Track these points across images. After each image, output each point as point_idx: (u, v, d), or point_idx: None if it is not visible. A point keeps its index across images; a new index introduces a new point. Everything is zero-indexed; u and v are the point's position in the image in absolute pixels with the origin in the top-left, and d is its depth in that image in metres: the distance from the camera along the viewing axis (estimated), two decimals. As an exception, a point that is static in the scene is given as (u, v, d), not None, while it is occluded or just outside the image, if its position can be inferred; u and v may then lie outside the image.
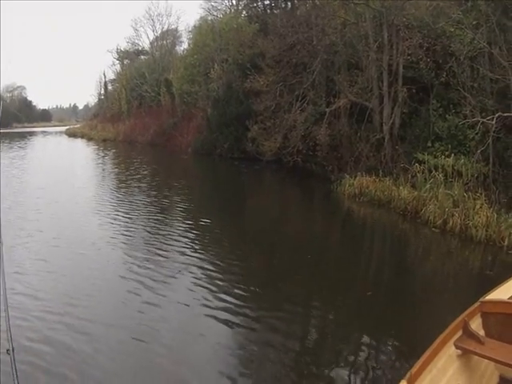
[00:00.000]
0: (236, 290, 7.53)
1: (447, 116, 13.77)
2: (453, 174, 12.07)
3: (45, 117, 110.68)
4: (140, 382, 5.05)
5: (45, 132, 71.67)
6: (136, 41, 56.68)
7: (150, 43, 53.91)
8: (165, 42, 51.17)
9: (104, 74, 65.78)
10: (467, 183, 11.64)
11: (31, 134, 65.71)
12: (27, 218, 12.50)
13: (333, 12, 18.87)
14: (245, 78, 24.13)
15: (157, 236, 11.01)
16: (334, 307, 7.18)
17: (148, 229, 11.68)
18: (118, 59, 59.87)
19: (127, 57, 58.17)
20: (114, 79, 60.65)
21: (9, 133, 63.18)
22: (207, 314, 6.63)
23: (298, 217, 13.84)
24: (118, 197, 16.60)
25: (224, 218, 13.49)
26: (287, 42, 20.65)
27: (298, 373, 5.33)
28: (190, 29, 45.93)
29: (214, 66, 30.70)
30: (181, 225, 12.24)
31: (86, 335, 5.97)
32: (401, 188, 12.98)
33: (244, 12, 33.15)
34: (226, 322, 6.35)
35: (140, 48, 56.38)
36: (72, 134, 57.33)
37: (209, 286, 7.68)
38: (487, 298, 4.39)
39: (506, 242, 9.37)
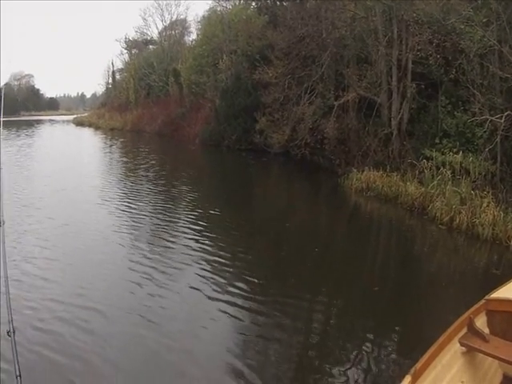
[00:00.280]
0: (243, 281, 7.64)
1: (456, 113, 13.71)
2: (460, 171, 12.03)
3: (52, 105, 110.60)
4: (147, 369, 5.14)
5: (52, 120, 71.65)
6: (145, 30, 56.49)
7: (159, 33, 53.62)
8: (173, 31, 50.90)
9: (112, 63, 65.93)
10: (475, 181, 11.61)
11: (38, 122, 65.74)
12: (35, 205, 12.68)
13: (342, 5, 18.73)
14: (253, 69, 24.11)
15: (164, 225, 11.17)
16: (340, 300, 7.26)
17: (156, 218, 11.82)
18: (126, 48, 59.77)
19: (135, 46, 57.99)
20: (122, 68, 60.57)
21: (16, 121, 63.30)
22: (214, 303, 6.76)
23: (305, 209, 13.93)
24: (126, 185, 16.75)
25: (231, 209, 13.60)
26: (296, 35, 20.64)
27: (302, 365, 5.44)
28: (199, 19, 45.73)
29: (223, 56, 30.65)
30: (189, 214, 12.37)
31: (94, 322, 6.11)
32: (408, 184, 12.99)
33: (253, 3, 32.91)
34: (232, 312, 6.47)
35: (148, 38, 56.16)
36: (79, 123, 57.27)
37: (216, 275, 7.80)
38: (492, 296, 4.41)
39: (512, 242, 9.35)
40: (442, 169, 12.38)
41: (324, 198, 16.37)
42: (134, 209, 12.65)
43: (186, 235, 10.21)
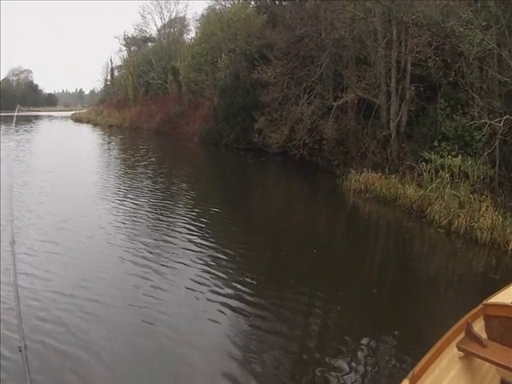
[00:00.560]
0: (242, 279, 7.68)
1: (454, 116, 13.73)
2: (459, 174, 12.04)
3: (51, 101, 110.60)
4: (149, 364, 5.18)
5: (50, 116, 71.61)
6: (143, 28, 56.60)
7: (158, 30, 53.76)
8: (172, 29, 50.97)
9: (111, 60, 65.89)
10: (473, 185, 11.61)
11: (37, 117, 65.54)
12: (34, 201, 12.73)
13: (342, 6, 18.77)
14: (252, 68, 24.10)
15: (164, 221, 11.24)
16: (338, 302, 7.23)
17: (156, 214, 11.90)
18: (125, 45, 59.83)
19: (134, 43, 58.03)
20: (121, 65, 60.59)
21: (14, 116, 63.09)
22: (214, 300, 6.82)
23: (303, 210, 13.93)
24: (126, 182, 16.80)
25: (230, 208, 13.61)
26: (295, 34, 20.70)
27: (300, 363, 5.48)
28: (198, 17, 45.83)
29: (222, 55, 30.68)
30: (188, 211, 12.45)
31: (96, 316, 6.18)
32: (406, 186, 13.00)
33: (252, 2, 32.93)
34: (231, 310, 6.53)
35: (147, 35, 56.25)
36: (78, 119, 57.25)
37: (215, 273, 7.85)
38: (490, 300, 4.41)
39: (510, 246, 9.34)
40: (440, 172, 12.38)
41: (322, 198, 16.40)
42: (134, 205, 12.72)
43: (185, 232, 10.26)
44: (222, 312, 6.45)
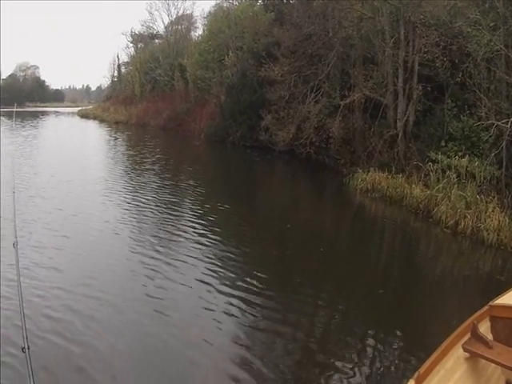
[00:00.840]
0: (247, 278, 7.75)
1: (461, 116, 13.70)
2: (466, 175, 12.01)
3: (57, 97, 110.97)
4: (153, 363, 5.24)
5: (57, 112, 71.86)
6: (151, 24, 56.61)
7: (165, 27, 53.75)
8: (180, 26, 50.97)
9: (118, 56, 66.06)
10: (480, 185, 11.58)
11: (43, 113, 65.91)
12: (42, 196, 12.89)
13: (350, 5, 18.70)
14: (259, 66, 23.99)
15: (171, 218, 11.33)
16: (343, 302, 7.26)
17: (163, 211, 12.00)
18: (132, 42, 59.86)
19: (141, 40, 58.04)
20: (128, 62, 60.67)
21: (21, 112, 63.42)
22: (221, 296, 6.92)
23: (309, 208, 13.96)
24: (133, 178, 16.93)
25: (236, 206, 13.64)
26: (303, 33, 20.59)
27: (304, 363, 5.51)
28: (205, 15, 45.87)
29: (229, 53, 30.67)
30: (194, 208, 12.56)
31: (102, 311, 6.29)
32: (413, 186, 12.99)
33: (260, 0, 32.95)
34: (236, 308, 6.60)
35: (154, 32, 56.25)
36: (84, 116, 57.43)
37: (221, 272, 7.93)
38: (496, 302, 4.41)
39: (517, 248, 9.34)
40: (447, 172, 12.36)
41: (329, 197, 16.44)
42: (141, 201, 12.82)
43: (192, 229, 10.35)
44: (228, 310, 6.52)
